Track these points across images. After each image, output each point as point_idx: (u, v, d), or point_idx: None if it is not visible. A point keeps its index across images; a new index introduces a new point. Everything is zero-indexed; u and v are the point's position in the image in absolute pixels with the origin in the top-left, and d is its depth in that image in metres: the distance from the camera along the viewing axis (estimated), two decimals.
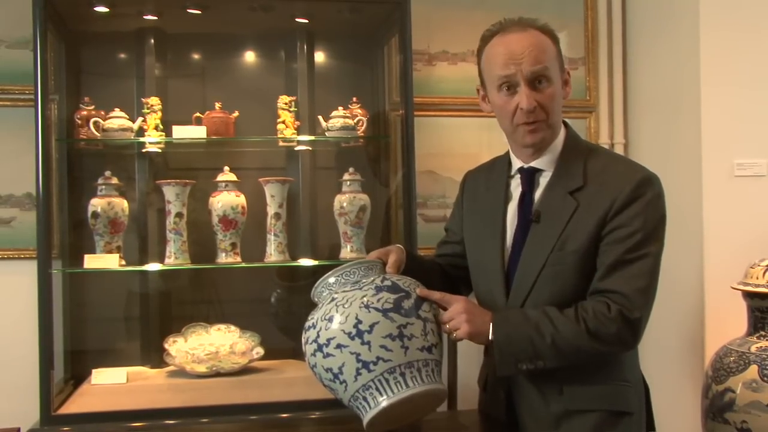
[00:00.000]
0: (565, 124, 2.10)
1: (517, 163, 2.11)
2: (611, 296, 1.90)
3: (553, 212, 1.99)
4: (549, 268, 1.97)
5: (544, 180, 2.06)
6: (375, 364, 1.79)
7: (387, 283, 1.90)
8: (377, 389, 1.79)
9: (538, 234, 2.00)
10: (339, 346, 1.80)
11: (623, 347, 1.95)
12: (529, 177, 2.08)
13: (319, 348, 1.83)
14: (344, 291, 1.87)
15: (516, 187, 2.11)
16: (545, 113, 1.98)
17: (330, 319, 1.83)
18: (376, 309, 1.82)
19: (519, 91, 1.96)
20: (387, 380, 1.79)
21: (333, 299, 1.86)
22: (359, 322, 1.80)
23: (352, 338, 1.79)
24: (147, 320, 3.34)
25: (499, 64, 1.97)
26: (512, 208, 2.10)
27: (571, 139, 2.09)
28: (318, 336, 1.83)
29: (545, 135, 2.02)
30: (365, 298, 1.83)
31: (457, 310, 1.92)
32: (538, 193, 2.05)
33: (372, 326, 1.80)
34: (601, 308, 1.89)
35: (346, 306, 1.83)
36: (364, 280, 1.90)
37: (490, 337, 1.91)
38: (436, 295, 1.93)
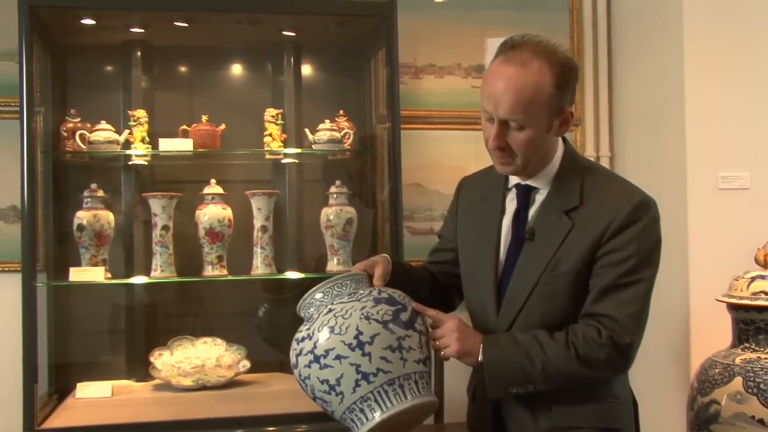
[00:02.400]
0: (564, 140, 2.08)
1: (513, 179, 2.10)
2: (602, 320, 1.89)
3: (548, 231, 1.98)
4: (541, 287, 1.96)
5: (540, 197, 2.04)
6: (375, 375, 1.78)
7: (384, 295, 1.90)
8: (376, 401, 1.79)
9: (532, 252, 1.99)
10: (338, 357, 1.79)
11: (614, 372, 1.95)
12: (524, 194, 2.06)
13: (316, 359, 1.81)
14: (341, 302, 1.86)
15: (511, 201, 2.09)
16: (515, 154, 1.95)
17: (329, 330, 1.81)
18: (377, 320, 1.82)
19: (494, 125, 1.93)
20: (386, 392, 1.79)
21: (330, 310, 1.85)
22: (360, 333, 1.79)
23: (353, 349, 1.78)
24: (132, 333, 3.32)
25: (484, 94, 1.94)
26: (507, 223, 2.08)
27: (569, 157, 2.06)
28: (315, 347, 1.82)
29: (516, 170, 2.00)
30: (365, 310, 1.83)
31: (449, 328, 1.93)
32: (533, 210, 2.04)
33: (373, 337, 1.79)
34: (591, 333, 1.89)
35: (345, 317, 1.82)
36: (360, 292, 1.89)
37: (479, 359, 1.91)
38: (430, 311, 1.94)
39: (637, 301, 1.90)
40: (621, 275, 1.89)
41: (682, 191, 3.21)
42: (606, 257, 1.91)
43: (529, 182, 2.05)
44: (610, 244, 1.90)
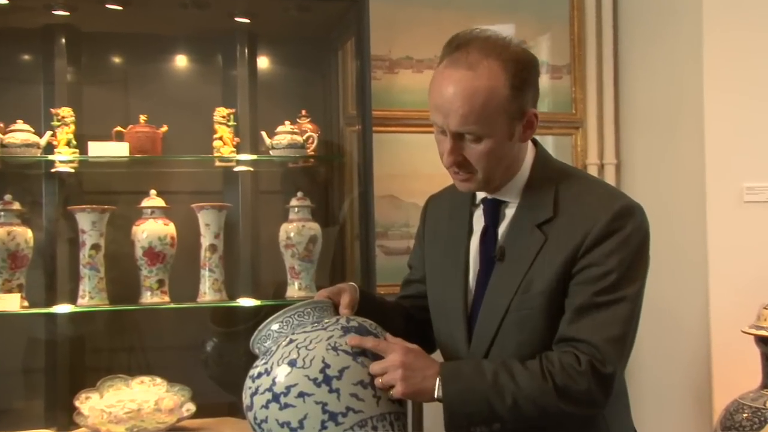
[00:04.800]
0: (534, 143, 2.06)
1: (480, 193, 2.07)
2: (579, 346, 1.85)
3: (519, 249, 1.96)
4: (513, 313, 1.93)
5: (510, 211, 2.02)
6: (344, 415, 1.76)
7: (353, 323, 1.88)
8: None
9: (502, 274, 1.97)
10: (302, 394, 1.76)
11: (591, 408, 1.89)
12: (493, 209, 2.04)
13: (275, 398, 1.77)
14: (304, 332, 1.84)
15: (479, 218, 2.08)
16: (474, 168, 1.93)
17: (290, 363, 1.78)
18: (346, 352, 1.80)
19: (447, 138, 1.91)
20: None
21: (291, 341, 1.82)
22: (326, 366, 1.77)
23: (318, 385, 1.76)
24: (54, 373, 3.26)
25: (431, 105, 1.92)
26: (475, 243, 2.07)
27: (540, 163, 2.04)
28: (274, 383, 1.78)
29: (478, 186, 1.99)
30: (332, 339, 1.81)
31: (392, 363, 1.83)
32: (502, 227, 2.02)
33: (342, 371, 1.77)
34: (569, 360, 1.84)
35: (309, 348, 1.80)
36: (326, 320, 1.88)
37: (435, 395, 1.84)
38: (368, 342, 1.85)
39: (618, 323, 1.85)
40: (599, 292, 1.85)
41: (701, 204, 3.21)
42: (582, 273, 1.88)
43: (497, 196, 2.03)
44: (587, 258, 1.88)
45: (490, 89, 1.85)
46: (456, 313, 2.04)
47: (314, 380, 1.75)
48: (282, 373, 1.78)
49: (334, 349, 1.79)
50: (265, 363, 1.83)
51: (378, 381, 1.83)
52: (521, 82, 1.89)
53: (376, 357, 1.81)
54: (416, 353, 1.88)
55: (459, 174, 1.95)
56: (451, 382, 1.84)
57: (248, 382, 1.84)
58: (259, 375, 1.82)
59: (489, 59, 1.86)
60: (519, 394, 1.81)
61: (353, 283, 2.08)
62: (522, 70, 1.89)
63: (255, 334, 1.89)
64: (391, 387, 1.83)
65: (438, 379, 1.84)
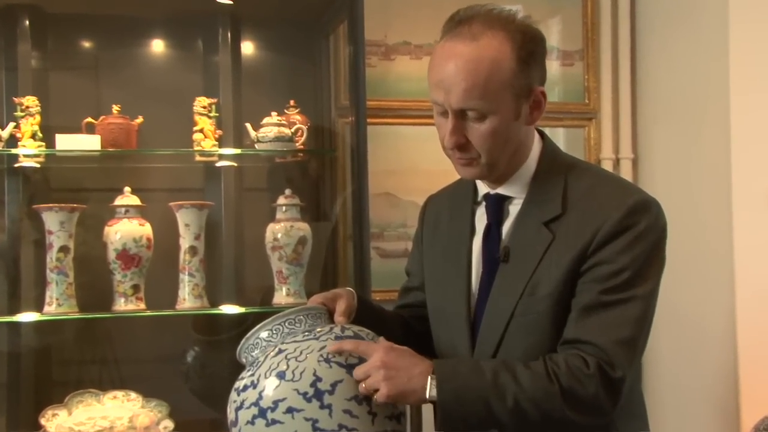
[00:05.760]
0: (541, 135, 2.05)
1: (483, 189, 2.06)
2: (584, 348, 1.83)
3: (525, 248, 1.94)
4: (519, 318, 1.91)
5: (514, 209, 2.01)
6: None
7: (348, 333, 1.86)
8: None
9: (507, 276, 1.95)
10: (290, 410, 1.73)
11: (597, 416, 1.85)
12: (496, 206, 2.03)
13: (262, 413, 1.75)
14: (295, 341, 1.82)
15: (482, 217, 2.06)
16: (478, 151, 1.92)
17: (279, 376, 1.76)
18: (339, 364, 1.77)
19: (448, 120, 1.91)
20: None
21: (280, 351, 1.80)
22: (318, 379, 1.74)
23: (309, 400, 1.73)
24: (17, 388, 3.25)
25: (431, 83, 1.91)
26: (478, 244, 2.05)
27: (548, 156, 2.03)
28: (260, 397, 1.76)
29: (483, 172, 1.97)
30: (324, 350, 1.78)
31: (373, 364, 1.79)
32: (507, 225, 2.01)
33: (334, 385, 1.74)
34: (576, 362, 1.82)
35: (299, 359, 1.77)
36: (318, 329, 1.86)
37: (427, 396, 1.80)
38: (347, 344, 1.82)
39: (628, 325, 1.83)
40: (607, 291, 1.83)
41: (726, 204, 3.19)
42: (591, 272, 1.86)
43: (501, 190, 2.01)
44: (597, 255, 1.86)
45: (495, 61, 1.85)
46: (458, 319, 2.02)
47: (304, 395, 1.73)
48: (269, 386, 1.75)
49: (327, 360, 1.76)
50: (252, 375, 1.80)
51: (361, 386, 1.80)
52: (528, 55, 1.88)
53: None
54: (399, 351, 1.85)
55: (461, 158, 1.93)
56: (445, 380, 1.81)
57: (233, 395, 1.82)
58: (245, 388, 1.79)
59: (493, 30, 1.86)
60: (521, 396, 1.79)
61: (350, 289, 2.06)
62: (529, 42, 1.89)
63: (242, 342, 1.87)
64: (376, 391, 1.80)
65: (430, 377, 1.81)
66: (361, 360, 1.79)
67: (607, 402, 1.82)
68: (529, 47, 1.89)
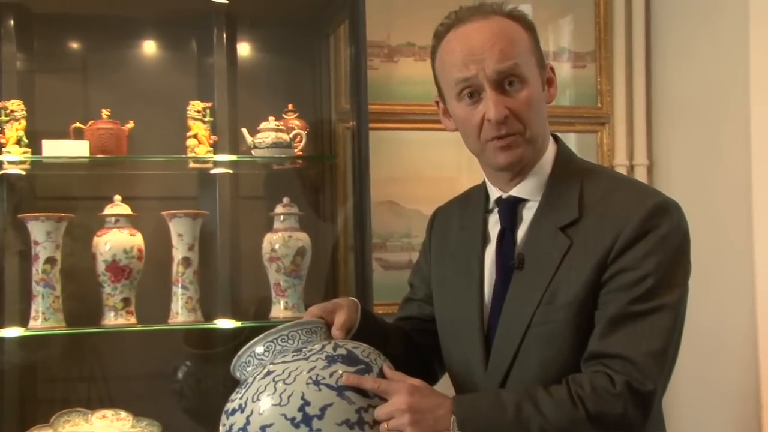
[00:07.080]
0: (555, 138, 2.06)
1: (494, 193, 2.06)
2: (613, 363, 1.81)
3: (540, 255, 1.94)
4: (536, 328, 1.90)
5: (528, 213, 2.00)
6: None
7: (341, 351, 1.83)
8: None
9: (522, 284, 1.95)
10: None
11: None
12: (510, 210, 2.02)
13: None
14: (284, 361, 1.80)
15: (495, 224, 2.06)
16: (521, 123, 1.93)
17: (266, 400, 1.75)
18: (329, 386, 1.74)
19: (484, 98, 1.92)
20: None
21: (268, 372, 1.79)
22: (306, 403, 1.72)
23: (297, 426, 1.71)
24: (0, 407, 3.23)
25: (457, 64, 1.92)
26: (491, 253, 2.05)
27: (563, 158, 2.03)
28: (248, 422, 1.75)
29: (524, 153, 1.96)
30: (314, 371, 1.76)
31: (397, 406, 1.79)
32: (521, 231, 2.00)
33: (323, 409, 1.72)
34: (601, 382, 1.80)
35: (287, 381, 1.76)
36: (309, 347, 1.84)
37: None
38: (368, 382, 1.81)
39: (658, 335, 1.82)
40: (634, 300, 1.82)
41: (746, 214, 3.17)
42: (614, 280, 1.85)
43: (515, 191, 2.01)
44: (619, 262, 1.85)
45: (514, 28, 1.94)
46: (470, 332, 2.01)
47: (292, 420, 1.71)
48: (256, 411, 1.75)
49: (316, 383, 1.75)
50: (241, 397, 1.80)
51: (384, 427, 1.79)
52: (534, 34, 1.98)
53: (367, 394, 1.78)
54: (423, 392, 1.84)
55: (502, 139, 1.92)
56: (467, 420, 1.80)
57: (223, 418, 1.81)
58: (233, 411, 1.79)
59: (498, 15, 1.95)
60: (547, 427, 1.78)
61: (354, 299, 2.06)
62: (531, 25, 1.98)
63: (236, 358, 1.87)
64: None
65: (452, 418, 1.80)
66: (358, 389, 1.77)
67: (638, 416, 1.81)
68: (531, 26, 1.98)
